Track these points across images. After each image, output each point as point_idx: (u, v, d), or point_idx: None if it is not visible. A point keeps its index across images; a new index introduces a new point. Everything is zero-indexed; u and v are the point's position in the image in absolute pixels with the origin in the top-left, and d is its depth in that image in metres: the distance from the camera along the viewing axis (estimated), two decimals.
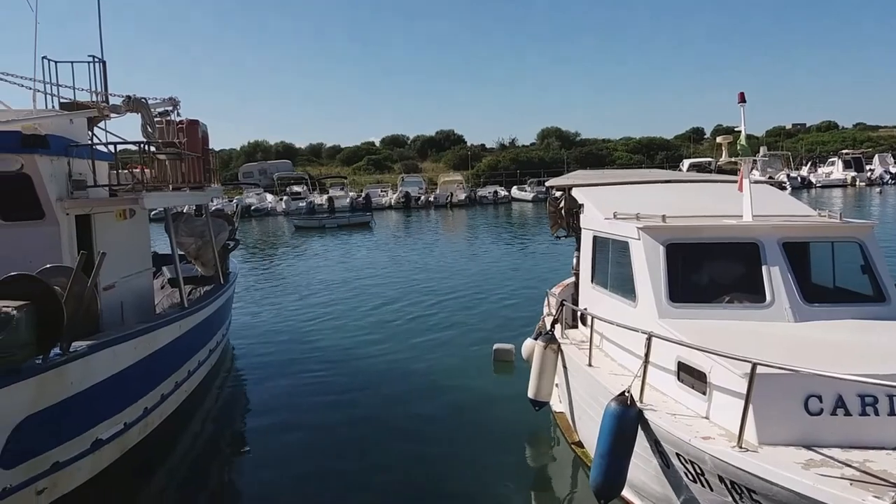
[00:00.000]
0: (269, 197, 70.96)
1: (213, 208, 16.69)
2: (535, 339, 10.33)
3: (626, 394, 6.49)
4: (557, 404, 10.48)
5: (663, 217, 8.19)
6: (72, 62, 12.50)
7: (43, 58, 11.93)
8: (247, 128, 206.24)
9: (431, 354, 15.25)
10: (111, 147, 11.98)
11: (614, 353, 8.29)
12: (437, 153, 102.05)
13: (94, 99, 12.62)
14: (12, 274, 7.11)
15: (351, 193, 70.26)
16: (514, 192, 73.68)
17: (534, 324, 12.41)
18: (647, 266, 7.75)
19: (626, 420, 6.39)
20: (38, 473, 7.42)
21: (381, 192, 72.59)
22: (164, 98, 14.27)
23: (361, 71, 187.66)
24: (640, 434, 6.48)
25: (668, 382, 6.78)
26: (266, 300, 23.10)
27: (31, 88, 11.83)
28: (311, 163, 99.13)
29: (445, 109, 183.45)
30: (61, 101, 12.25)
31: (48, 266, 8.08)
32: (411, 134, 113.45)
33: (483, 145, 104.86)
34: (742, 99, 8.77)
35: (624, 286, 8.34)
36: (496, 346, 14.31)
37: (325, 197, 67.17)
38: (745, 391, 5.39)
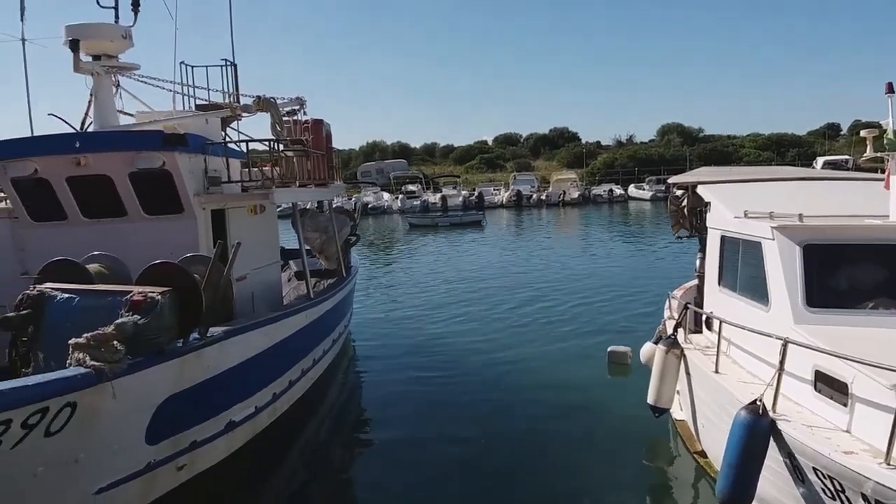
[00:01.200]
0: (386, 195, 72.83)
1: (334, 206, 17.25)
2: (656, 343, 10.04)
3: (758, 402, 6.23)
4: (678, 412, 10.12)
5: (800, 216, 7.72)
6: (206, 66, 13.21)
7: (181, 63, 12.79)
8: (365, 128, 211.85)
9: (545, 355, 15.14)
10: (243, 145, 12.65)
11: (743, 359, 7.93)
12: (550, 151, 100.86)
13: (227, 100, 13.31)
14: (156, 262, 7.66)
15: (464, 192, 70.78)
16: (632, 190, 71.71)
17: (651, 327, 12.05)
18: (783, 268, 7.35)
19: (758, 430, 6.14)
20: (179, 450, 7.96)
21: (494, 190, 72.72)
22: (292, 98, 14.87)
23: (475, 70, 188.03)
24: (772, 445, 6.19)
25: (803, 392, 6.44)
26: (384, 295, 23.74)
27: (170, 91, 12.73)
28: (426, 162, 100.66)
29: (559, 107, 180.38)
30: (197, 102, 13.06)
31: (187, 255, 8.62)
32: (524, 132, 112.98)
33: (598, 142, 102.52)
34: (890, 89, 8.11)
35: (755, 289, 7.94)
36: (611, 348, 14.02)
37: (438, 196, 68.00)
38: (894, 404, 5.03)
